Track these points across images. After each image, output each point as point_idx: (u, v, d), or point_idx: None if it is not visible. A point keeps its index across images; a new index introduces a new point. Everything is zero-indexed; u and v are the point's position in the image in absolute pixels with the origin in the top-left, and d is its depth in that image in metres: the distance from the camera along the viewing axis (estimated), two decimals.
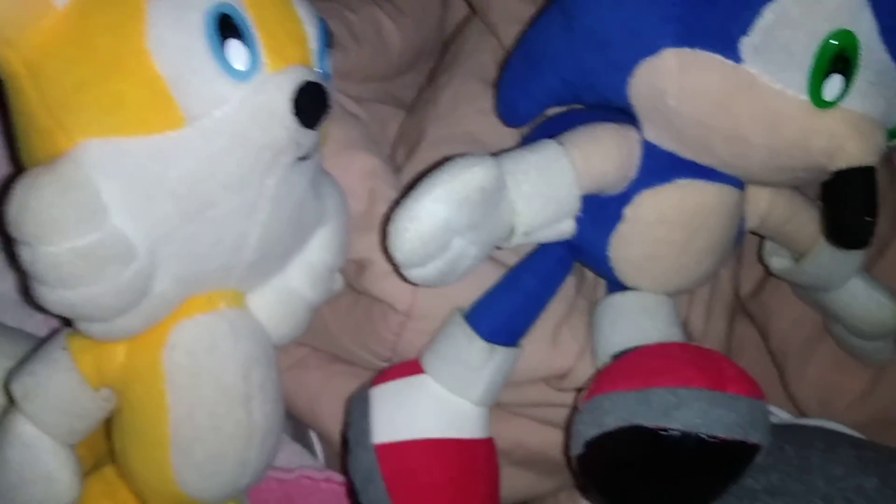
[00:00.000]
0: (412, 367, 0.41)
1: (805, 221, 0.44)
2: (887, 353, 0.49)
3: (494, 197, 0.34)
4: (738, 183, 0.39)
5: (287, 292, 0.37)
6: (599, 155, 0.37)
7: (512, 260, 0.42)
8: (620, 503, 0.39)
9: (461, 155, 0.34)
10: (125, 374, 0.34)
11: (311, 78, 0.30)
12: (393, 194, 0.42)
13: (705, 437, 0.34)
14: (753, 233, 0.45)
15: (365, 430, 0.39)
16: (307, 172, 0.34)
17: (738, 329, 0.53)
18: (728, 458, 0.35)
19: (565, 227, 0.37)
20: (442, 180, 0.33)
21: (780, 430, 0.42)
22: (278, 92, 0.30)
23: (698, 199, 0.38)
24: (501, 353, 0.39)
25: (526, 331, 0.41)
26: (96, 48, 0.28)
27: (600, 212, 0.39)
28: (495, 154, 0.35)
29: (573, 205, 0.36)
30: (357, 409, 0.40)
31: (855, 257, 0.45)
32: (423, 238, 0.33)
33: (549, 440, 0.45)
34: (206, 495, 0.36)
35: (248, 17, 0.30)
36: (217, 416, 0.34)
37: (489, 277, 0.41)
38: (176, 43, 0.28)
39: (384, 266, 0.41)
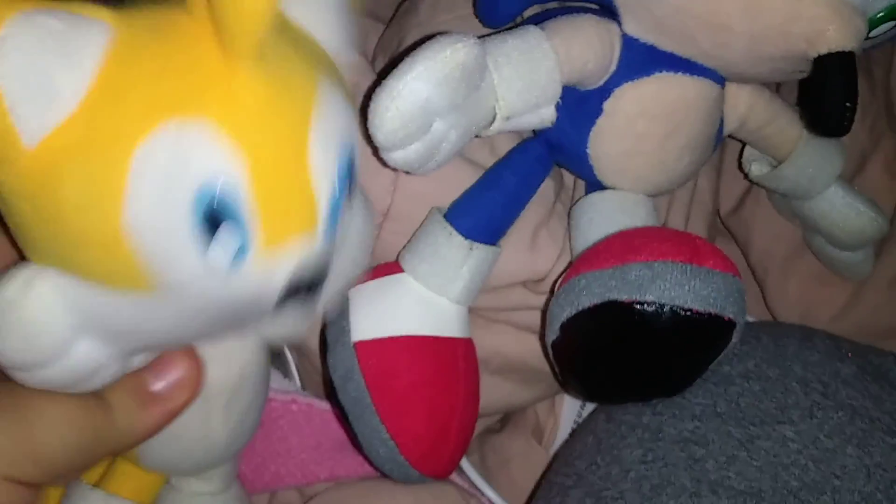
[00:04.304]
0: (391, 268, 0.40)
1: (784, 125, 0.44)
2: (867, 267, 0.50)
3: (475, 77, 0.33)
4: (718, 78, 0.39)
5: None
6: (580, 42, 0.36)
7: (490, 163, 0.42)
8: (598, 391, 0.39)
9: (443, 34, 0.33)
10: None
11: (307, 261, 0.26)
12: None
13: (680, 310, 0.33)
14: (732, 137, 0.45)
15: (344, 329, 0.39)
16: None
17: (719, 248, 0.53)
18: (704, 332, 0.34)
19: (546, 114, 0.36)
20: (423, 57, 0.32)
21: (757, 325, 0.42)
22: (266, 281, 0.26)
23: (678, 91, 0.38)
24: (481, 250, 0.39)
25: (505, 230, 0.41)
26: (66, 212, 0.24)
27: (580, 107, 0.38)
28: None
29: (554, 90, 0.36)
30: (335, 309, 0.40)
31: (834, 163, 0.45)
32: (403, 117, 0.32)
33: (526, 346, 0.45)
34: (170, 474, 0.38)
35: (248, 193, 0.24)
36: (176, 426, 0.32)
37: (468, 180, 0.41)
38: (156, 225, 0.24)
39: (364, 165, 0.40)
